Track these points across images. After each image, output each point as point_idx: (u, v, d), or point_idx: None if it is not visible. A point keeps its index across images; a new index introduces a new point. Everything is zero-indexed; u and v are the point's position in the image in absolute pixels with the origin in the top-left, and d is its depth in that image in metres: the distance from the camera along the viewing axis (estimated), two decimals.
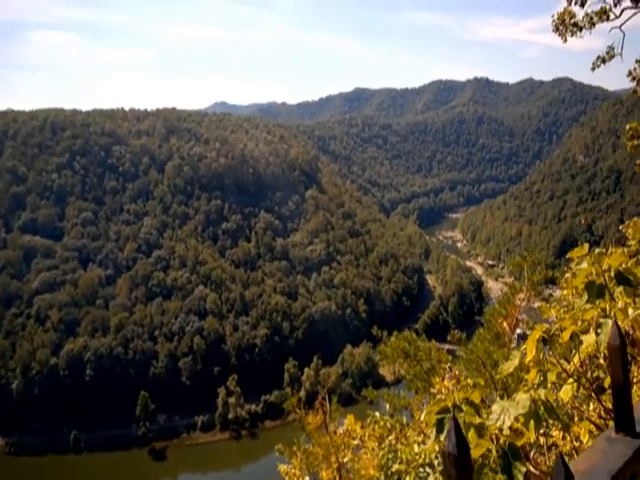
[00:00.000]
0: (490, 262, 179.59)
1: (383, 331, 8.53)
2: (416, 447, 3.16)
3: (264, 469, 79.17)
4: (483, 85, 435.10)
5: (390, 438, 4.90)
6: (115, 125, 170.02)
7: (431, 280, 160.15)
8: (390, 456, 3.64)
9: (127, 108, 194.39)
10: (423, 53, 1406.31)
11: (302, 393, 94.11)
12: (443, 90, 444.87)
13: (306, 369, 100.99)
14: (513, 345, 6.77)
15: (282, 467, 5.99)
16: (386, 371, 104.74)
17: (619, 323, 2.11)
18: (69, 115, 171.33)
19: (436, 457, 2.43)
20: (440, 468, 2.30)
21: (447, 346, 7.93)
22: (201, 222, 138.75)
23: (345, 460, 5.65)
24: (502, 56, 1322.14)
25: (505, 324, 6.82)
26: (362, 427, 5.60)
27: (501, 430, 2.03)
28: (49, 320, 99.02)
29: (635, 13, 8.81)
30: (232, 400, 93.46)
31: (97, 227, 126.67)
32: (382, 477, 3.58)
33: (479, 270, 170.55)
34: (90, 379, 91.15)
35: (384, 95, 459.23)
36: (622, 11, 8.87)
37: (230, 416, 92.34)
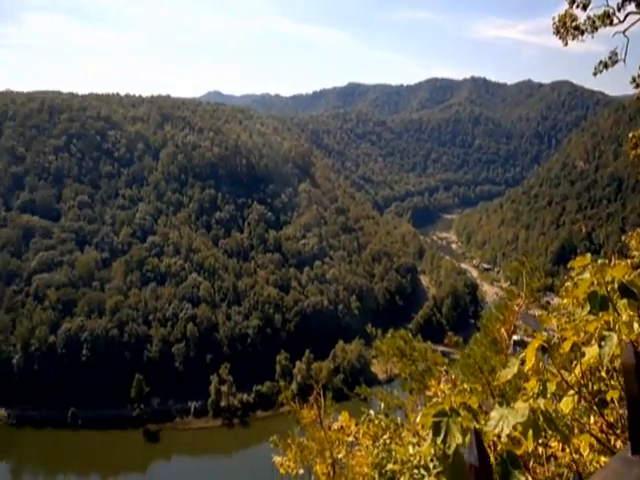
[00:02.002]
0: (485, 265, 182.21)
1: (377, 329, 8.58)
2: (411, 448, 3.24)
3: (255, 457, 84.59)
4: (480, 85, 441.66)
5: (384, 437, 4.96)
6: (111, 110, 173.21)
7: (425, 280, 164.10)
8: (384, 455, 3.80)
9: (122, 93, 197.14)
10: (418, 51, 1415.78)
11: (294, 386, 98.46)
12: (439, 88, 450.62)
13: (298, 362, 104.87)
14: (509, 352, 6.82)
15: (277, 459, 6.06)
16: (378, 369, 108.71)
17: (623, 337, 2.23)
18: (66, 98, 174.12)
19: (432, 460, 2.41)
20: (436, 471, 2.32)
21: (441, 348, 7.88)
22: (195, 210, 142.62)
23: (339, 456, 5.75)
24: (500, 56, 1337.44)
25: (503, 330, 6.74)
26: (356, 424, 5.67)
27: (499, 437, 2.09)
28: (47, 299, 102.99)
29: None
30: (224, 388, 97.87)
31: (93, 210, 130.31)
32: (376, 475, 3.72)
33: (474, 273, 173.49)
34: (87, 359, 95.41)
35: (379, 91, 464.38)
36: (626, 16, 8.64)
37: (222, 404, 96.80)
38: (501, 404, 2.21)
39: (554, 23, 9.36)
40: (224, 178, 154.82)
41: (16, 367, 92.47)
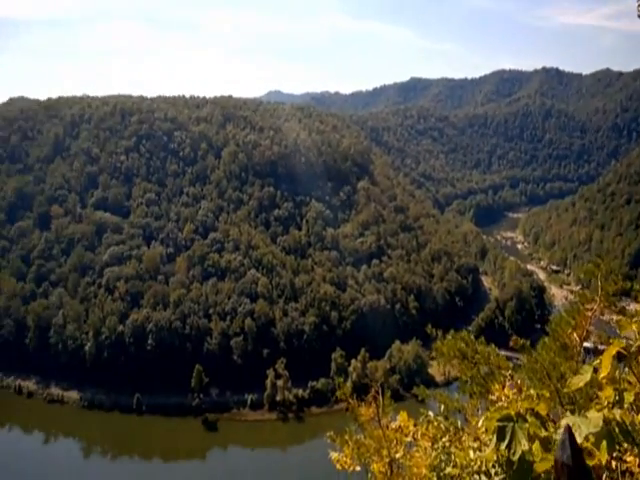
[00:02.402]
0: (554, 267, 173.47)
1: (436, 330, 8.38)
2: (471, 453, 3.20)
3: (309, 452, 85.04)
4: (552, 76, 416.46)
5: (444, 440, 4.90)
6: (177, 112, 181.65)
7: (487, 282, 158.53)
8: (443, 458, 3.77)
9: (187, 95, 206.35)
10: (485, 42, 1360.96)
11: (349, 384, 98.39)
12: (506, 81, 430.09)
13: (353, 360, 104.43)
14: (580, 358, 6.55)
15: (334, 454, 6.02)
16: (436, 371, 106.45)
17: None
18: (136, 101, 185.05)
19: (493, 466, 2.37)
20: (498, 478, 2.26)
21: (504, 352, 7.65)
22: (254, 208, 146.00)
23: (397, 456, 5.65)
24: (574, 45, 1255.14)
25: (574, 335, 6.45)
26: (415, 425, 5.61)
27: None
28: (117, 291, 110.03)
29: None
30: (280, 383, 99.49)
31: (159, 207, 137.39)
32: (434, 478, 3.70)
33: (541, 275, 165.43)
34: (152, 348, 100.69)
35: (441, 85, 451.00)
36: None
37: (278, 398, 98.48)
38: (573, 412, 2.15)
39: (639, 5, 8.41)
40: (283, 176, 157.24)
41: (88, 354, 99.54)
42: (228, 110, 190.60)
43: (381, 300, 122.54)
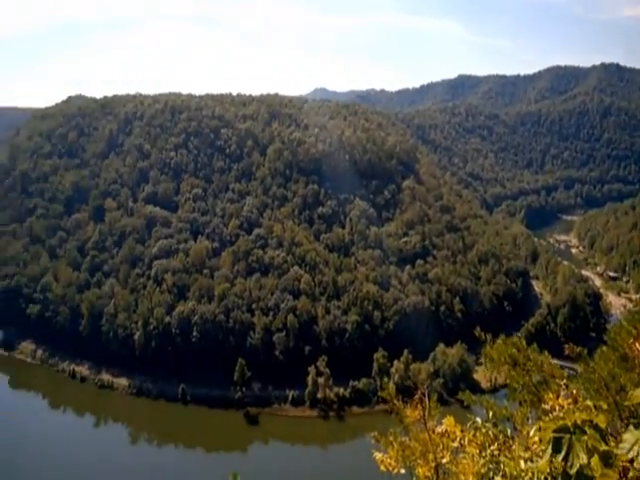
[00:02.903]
0: (611, 274, 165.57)
1: (486, 334, 8.12)
2: (522, 463, 3.08)
3: (350, 451, 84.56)
4: (612, 72, 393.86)
5: (492, 448, 4.79)
6: (223, 109, 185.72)
7: (538, 286, 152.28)
8: (492, 467, 3.69)
9: (234, 93, 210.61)
10: (538, 36, 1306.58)
11: (391, 385, 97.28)
12: (562, 77, 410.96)
13: (396, 361, 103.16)
14: None
15: (378, 455, 5.97)
16: (481, 377, 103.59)
17: None
18: (185, 99, 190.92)
19: (546, 478, 2.27)
20: None
21: (556, 361, 7.42)
22: (298, 205, 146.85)
23: (443, 461, 5.57)
24: (637, 39, 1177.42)
25: (636, 346, 6.24)
26: (462, 431, 5.50)
27: (632, 462, 1.92)
28: (165, 283, 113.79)
29: None
30: (321, 380, 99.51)
31: (206, 203, 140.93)
32: None
33: (597, 281, 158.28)
34: (197, 340, 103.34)
35: (491, 82, 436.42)
36: None
37: (319, 395, 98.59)
38: (637, 426, 2.03)
39: None
40: (327, 174, 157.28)
41: (137, 342, 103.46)
42: (274, 108, 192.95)
43: (425, 301, 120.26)
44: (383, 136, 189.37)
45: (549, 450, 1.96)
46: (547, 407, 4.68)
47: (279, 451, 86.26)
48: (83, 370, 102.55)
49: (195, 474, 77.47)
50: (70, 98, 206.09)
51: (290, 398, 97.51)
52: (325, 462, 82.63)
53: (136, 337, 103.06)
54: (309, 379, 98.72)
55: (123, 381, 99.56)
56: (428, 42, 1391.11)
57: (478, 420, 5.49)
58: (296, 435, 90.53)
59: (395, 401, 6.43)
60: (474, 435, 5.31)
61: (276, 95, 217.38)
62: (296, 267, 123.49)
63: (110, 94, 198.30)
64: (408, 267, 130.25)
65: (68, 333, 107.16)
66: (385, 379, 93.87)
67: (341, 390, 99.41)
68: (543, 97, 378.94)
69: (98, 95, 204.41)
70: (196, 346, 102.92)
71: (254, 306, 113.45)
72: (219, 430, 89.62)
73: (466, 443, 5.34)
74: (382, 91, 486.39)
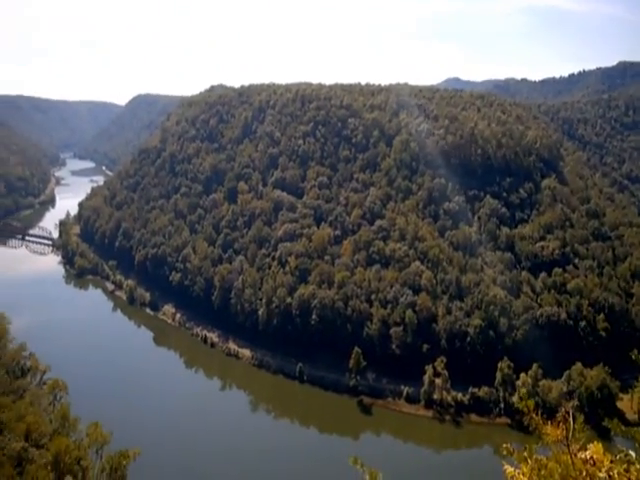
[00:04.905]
0: None
1: None
2: None
3: (467, 459, 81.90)
4: None
5: None
6: (352, 99, 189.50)
7: None
8: None
9: (363, 83, 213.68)
10: None
11: (515, 399, 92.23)
12: None
13: (522, 374, 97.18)
14: None
15: (509, 468, 5.72)
16: (626, 406, 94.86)
17: None
18: (315, 89, 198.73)
19: None
20: None
21: None
22: (423, 199, 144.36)
23: None
24: None
25: None
26: (611, 461, 5.14)
27: None
28: (288, 265, 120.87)
29: None
30: (438, 381, 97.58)
31: (330, 191, 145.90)
32: None
33: None
34: (315, 323, 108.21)
35: None
36: None
37: (435, 396, 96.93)
38: None
39: None
40: (456, 168, 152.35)
41: (260, 318, 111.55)
42: (403, 98, 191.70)
43: (561, 314, 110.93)
44: (522, 130, 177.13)
45: None
46: None
47: (391, 445, 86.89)
48: (213, 337, 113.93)
49: (308, 451, 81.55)
50: (212, 87, 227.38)
51: (404, 394, 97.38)
52: (440, 466, 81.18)
53: (260, 313, 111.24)
54: (425, 378, 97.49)
55: (247, 352, 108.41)
56: (582, 25, 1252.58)
57: (632, 453, 5.06)
58: (409, 432, 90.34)
59: (534, 415, 5.97)
60: (626, 470, 4.92)
61: (405, 85, 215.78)
62: (417, 262, 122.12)
63: (247, 83, 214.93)
64: (543, 274, 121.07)
65: (202, 302, 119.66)
66: (523, 391, 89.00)
67: (459, 395, 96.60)
68: None
69: (237, 84, 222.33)
70: (314, 329, 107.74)
71: (372, 297, 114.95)
72: (332, 413, 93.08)
73: (616, 476, 4.96)
74: (523, 80, 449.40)
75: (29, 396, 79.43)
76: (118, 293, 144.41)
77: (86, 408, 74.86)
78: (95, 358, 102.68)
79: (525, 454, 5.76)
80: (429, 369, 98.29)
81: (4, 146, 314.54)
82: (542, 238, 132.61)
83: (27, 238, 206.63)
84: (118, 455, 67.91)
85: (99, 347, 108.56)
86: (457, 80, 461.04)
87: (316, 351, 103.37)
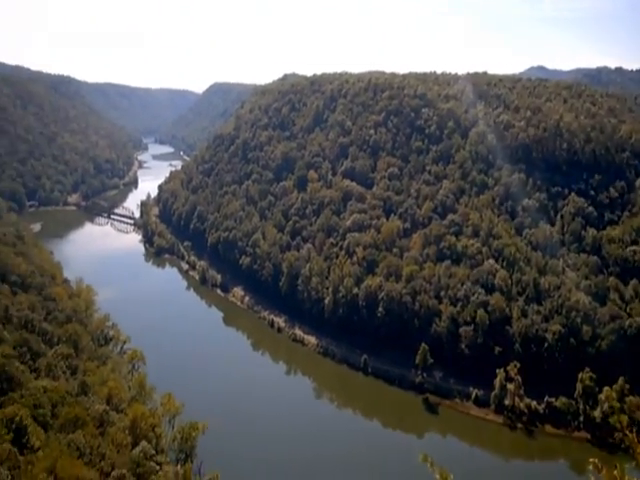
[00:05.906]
0: None
1: None
2: None
3: (539, 471, 76.93)
4: None
5: None
6: (426, 88, 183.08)
7: None
8: None
9: (439, 72, 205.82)
10: None
11: (597, 413, 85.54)
12: None
13: (606, 388, 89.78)
14: None
15: None
16: None
17: None
18: (388, 78, 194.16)
19: None
20: None
21: None
22: (500, 194, 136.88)
23: None
24: None
25: None
26: None
27: None
28: (356, 255, 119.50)
29: None
30: (511, 387, 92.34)
31: (401, 182, 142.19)
32: None
33: None
34: (381, 316, 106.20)
35: None
36: None
37: (506, 402, 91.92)
38: None
39: None
40: (538, 162, 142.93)
41: (327, 306, 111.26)
42: (481, 87, 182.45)
43: None
44: (614, 123, 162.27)
45: None
46: None
47: (457, 448, 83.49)
48: (280, 322, 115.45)
49: (370, 444, 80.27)
50: (286, 76, 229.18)
51: (473, 396, 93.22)
52: (509, 475, 77.03)
53: (326, 301, 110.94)
54: (496, 382, 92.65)
55: (312, 339, 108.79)
56: None
57: None
58: (477, 437, 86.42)
59: (628, 432, 5.78)
60: None
61: (484, 74, 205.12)
62: (491, 260, 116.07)
63: (320, 72, 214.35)
64: (634, 281, 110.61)
65: (270, 286, 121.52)
66: (616, 404, 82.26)
67: (533, 403, 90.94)
68: None
69: (309, 73, 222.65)
70: (380, 321, 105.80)
71: (442, 293, 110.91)
72: (397, 408, 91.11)
73: None
74: (618, 70, 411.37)
75: (111, 363, 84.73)
76: (192, 273, 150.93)
77: (160, 378, 78.25)
78: (169, 333, 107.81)
79: (615, 473, 5.53)
80: (501, 373, 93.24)
81: (94, 130, 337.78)
82: (634, 242, 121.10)
83: (112, 217, 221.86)
84: (189, 426, 70.66)
85: (174, 323, 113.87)
86: (542, 69, 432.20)
87: (381, 344, 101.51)
